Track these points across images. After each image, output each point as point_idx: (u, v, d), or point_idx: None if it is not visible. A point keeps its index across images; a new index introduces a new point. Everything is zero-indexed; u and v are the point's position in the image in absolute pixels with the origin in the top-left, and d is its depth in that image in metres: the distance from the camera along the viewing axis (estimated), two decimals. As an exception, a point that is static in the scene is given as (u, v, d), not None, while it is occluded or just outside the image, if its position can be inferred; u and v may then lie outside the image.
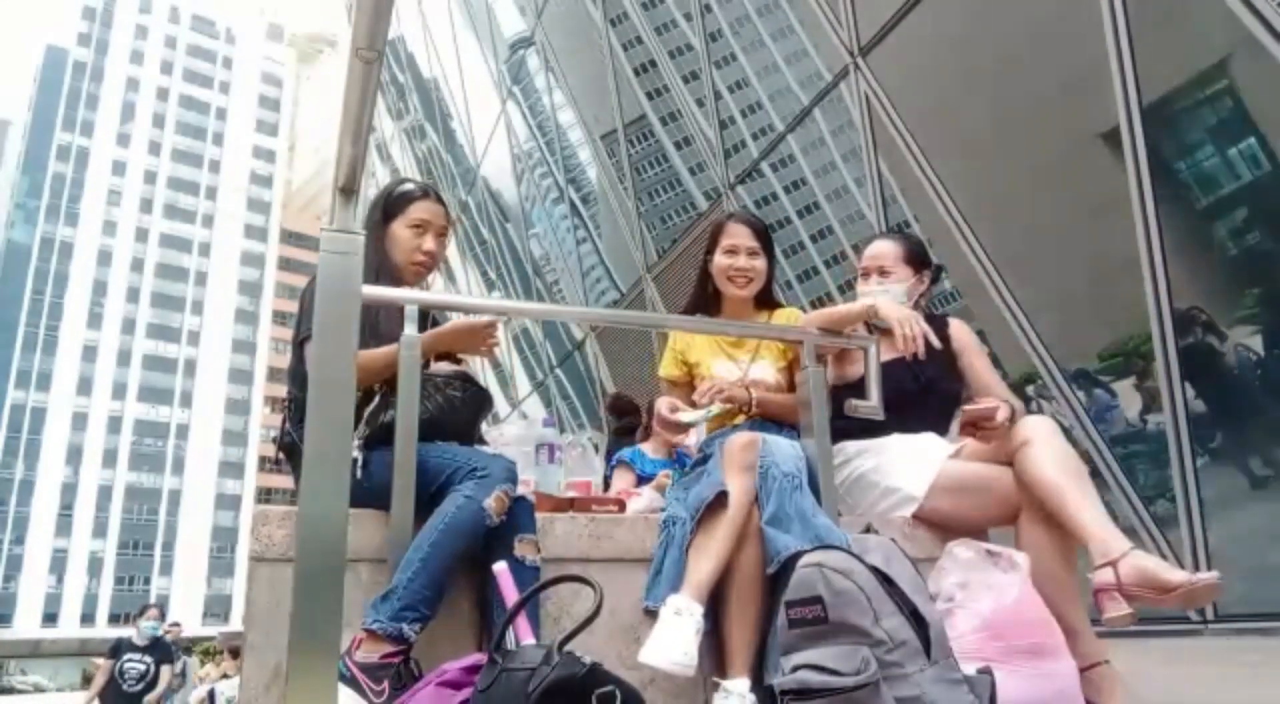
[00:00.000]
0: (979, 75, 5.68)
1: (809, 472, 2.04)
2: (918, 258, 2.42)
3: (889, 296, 2.31)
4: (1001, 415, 2.05)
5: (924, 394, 2.18)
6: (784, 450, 1.97)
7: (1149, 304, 4.26)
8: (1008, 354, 5.38)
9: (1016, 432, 2.00)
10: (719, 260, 2.40)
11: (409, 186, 2.20)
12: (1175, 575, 1.62)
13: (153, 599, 55.18)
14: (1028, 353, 5.06)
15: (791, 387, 2.33)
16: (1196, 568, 4.03)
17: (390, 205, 2.15)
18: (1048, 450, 1.91)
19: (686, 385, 2.46)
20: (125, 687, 6.70)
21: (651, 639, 1.72)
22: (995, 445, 2.05)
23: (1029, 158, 5.33)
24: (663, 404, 2.29)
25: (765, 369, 2.37)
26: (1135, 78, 4.33)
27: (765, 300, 2.48)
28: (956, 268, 5.80)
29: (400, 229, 2.12)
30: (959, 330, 2.40)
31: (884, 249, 2.43)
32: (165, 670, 6.95)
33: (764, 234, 2.42)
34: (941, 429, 2.28)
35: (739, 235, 2.39)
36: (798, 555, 1.71)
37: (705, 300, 2.49)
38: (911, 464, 2.15)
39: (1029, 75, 5.28)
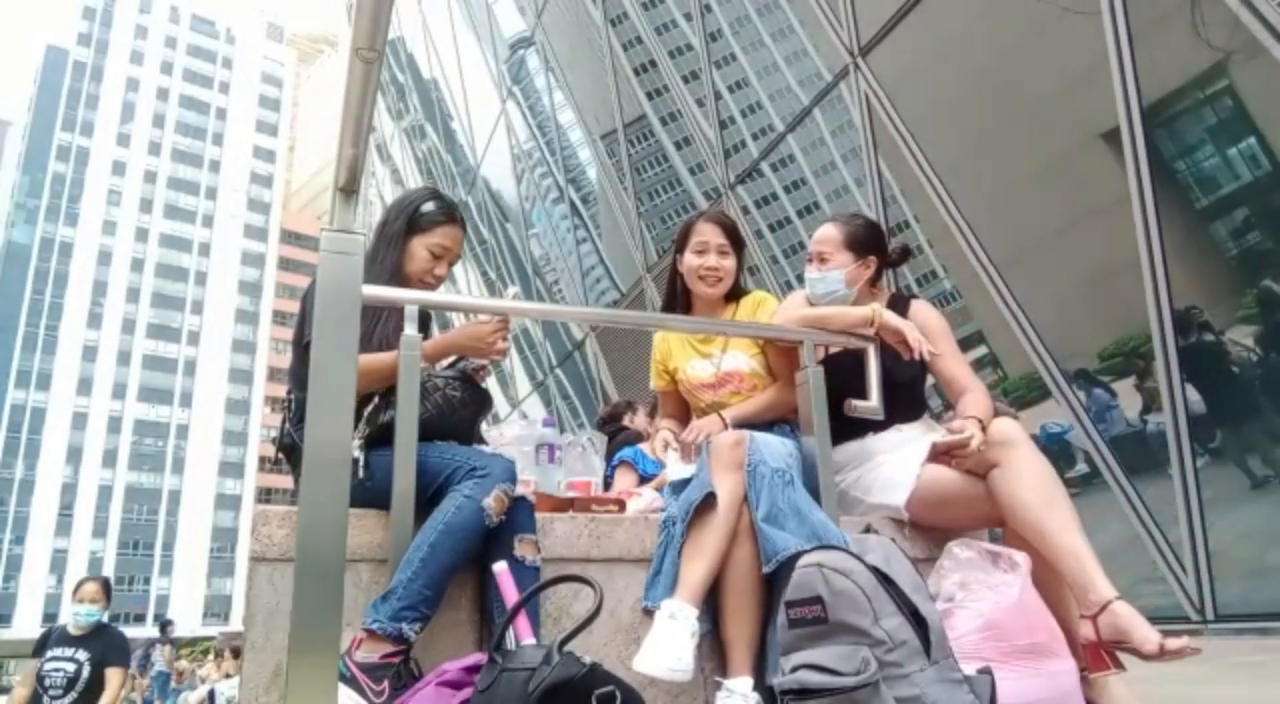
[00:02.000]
0: (979, 75, 5.68)
1: (808, 469, 2.05)
2: (861, 243, 2.34)
3: (825, 284, 2.31)
4: (975, 443, 1.98)
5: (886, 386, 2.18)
6: (773, 447, 1.96)
7: (1149, 304, 4.26)
8: (1008, 354, 5.38)
9: (987, 446, 1.96)
10: (689, 260, 2.40)
11: (434, 206, 2.17)
12: (1148, 643, 1.61)
13: (153, 599, 55.44)
14: (1028, 353, 5.06)
15: (769, 370, 2.36)
16: (1197, 570, 4.05)
17: (415, 219, 2.14)
18: (1021, 475, 1.88)
19: (675, 393, 2.53)
20: (46, 699, 4.28)
21: (645, 646, 1.71)
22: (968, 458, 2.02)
23: (1029, 158, 5.33)
24: (658, 443, 2.38)
25: (737, 359, 2.38)
26: (1135, 78, 4.33)
27: (732, 292, 2.48)
28: (956, 268, 5.81)
29: (420, 248, 2.12)
30: (921, 314, 2.31)
31: (826, 235, 2.37)
32: (114, 675, 4.42)
33: (733, 232, 2.43)
34: (905, 417, 2.24)
35: (708, 234, 2.39)
36: (797, 556, 1.71)
37: (676, 300, 2.50)
38: (890, 477, 2.14)
39: (1029, 75, 5.28)
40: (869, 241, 2.36)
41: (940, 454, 2.04)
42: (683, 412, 2.56)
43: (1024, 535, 1.86)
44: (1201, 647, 1.61)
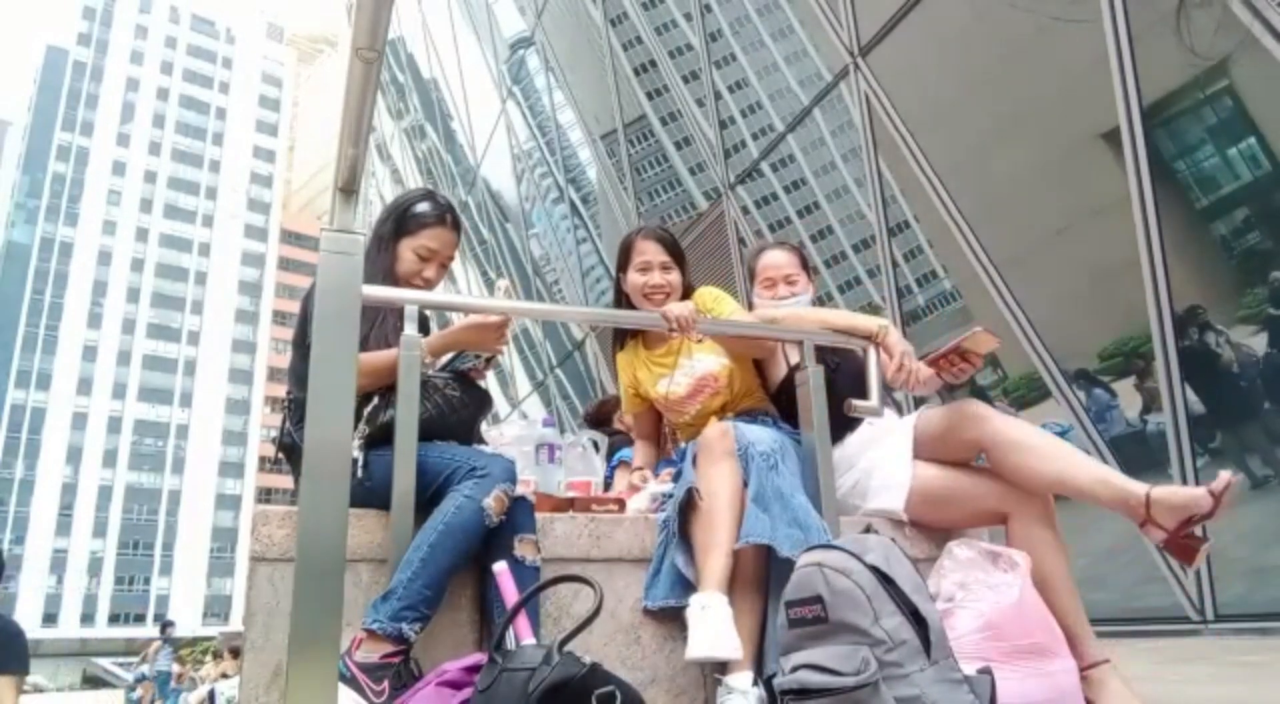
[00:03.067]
0: (979, 75, 5.68)
1: (806, 467, 2.06)
2: (805, 263, 2.56)
3: (802, 306, 2.43)
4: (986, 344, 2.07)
5: (835, 374, 2.21)
6: (758, 433, 2.00)
7: (1149, 304, 4.26)
8: (1008, 354, 5.38)
9: (974, 438, 1.99)
10: (633, 278, 2.39)
11: (425, 208, 2.15)
12: (1198, 501, 1.65)
13: (153, 599, 55.46)
14: (1028, 353, 5.06)
15: (739, 361, 2.39)
16: (1197, 570, 4.05)
17: (402, 221, 2.13)
18: (1020, 445, 1.92)
19: (649, 413, 2.54)
20: None
21: (692, 636, 1.74)
22: (948, 446, 2.05)
23: (1029, 158, 5.33)
24: (629, 483, 2.41)
25: (707, 361, 2.38)
26: (1135, 78, 4.33)
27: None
28: (956, 268, 5.81)
29: (406, 250, 2.11)
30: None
31: (785, 259, 2.51)
32: (4, 688, 3.11)
33: (674, 247, 2.42)
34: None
35: (650, 252, 2.38)
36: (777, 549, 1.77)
37: None
38: (886, 480, 2.15)
39: (1029, 75, 5.28)
40: (805, 261, 2.58)
41: (942, 362, 2.10)
42: (656, 432, 2.59)
43: (1051, 492, 1.93)
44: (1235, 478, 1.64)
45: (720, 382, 2.36)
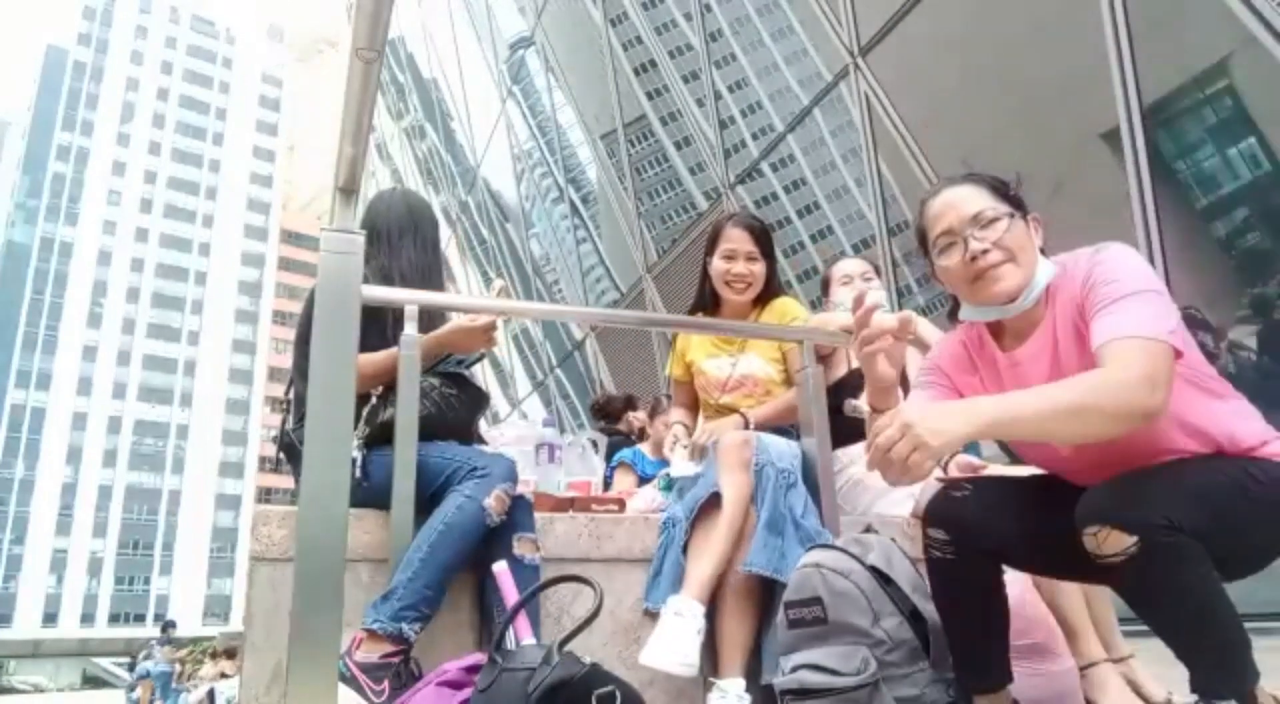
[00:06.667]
0: (979, 75, 5.68)
1: (808, 469, 2.05)
2: (880, 271, 2.70)
3: (881, 295, 2.47)
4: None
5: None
6: (779, 448, 1.98)
7: (1149, 304, 4.25)
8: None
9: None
10: (717, 264, 2.37)
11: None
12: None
13: (153, 599, 55.43)
14: (1028, 353, 5.05)
15: (787, 379, 2.35)
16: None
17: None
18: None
19: (690, 383, 2.50)
20: None
21: (652, 641, 1.73)
22: None
23: (1029, 158, 5.32)
24: (667, 440, 2.34)
25: (753, 362, 2.36)
26: (1135, 78, 4.33)
27: (763, 296, 2.44)
28: (956, 268, 5.80)
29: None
30: (925, 329, 2.36)
31: (858, 265, 2.60)
32: None
33: (763, 237, 2.37)
34: None
35: (737, 240, 2.34)
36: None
37: (705, 301, 2.48)
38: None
39: (1029, 75, 5.27)
40: (879, 269, 2.76)
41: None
42: (695, 402, 2.54)
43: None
44: None
45: (757, 387, 2.35)
